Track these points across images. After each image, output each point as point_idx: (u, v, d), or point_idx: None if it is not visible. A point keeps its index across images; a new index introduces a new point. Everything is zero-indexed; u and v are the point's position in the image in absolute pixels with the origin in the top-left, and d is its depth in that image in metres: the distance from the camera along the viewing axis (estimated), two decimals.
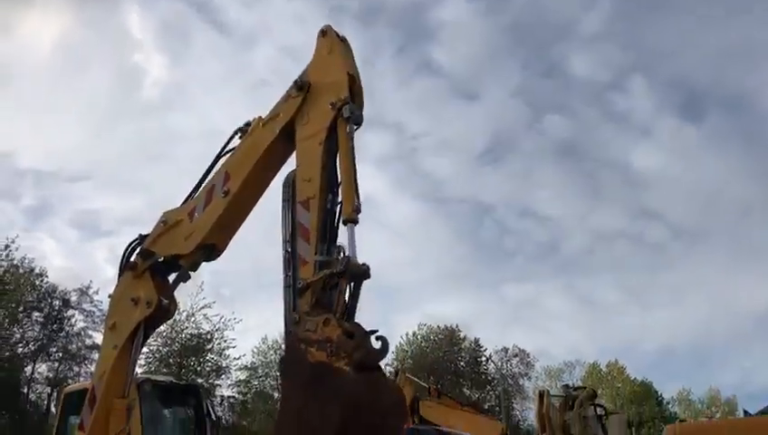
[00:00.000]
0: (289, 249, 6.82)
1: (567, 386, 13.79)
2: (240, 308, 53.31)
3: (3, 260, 33.25)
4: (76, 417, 8.26)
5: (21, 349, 34.09)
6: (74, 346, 35.32)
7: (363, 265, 5.20)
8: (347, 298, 5.15)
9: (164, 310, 6.62)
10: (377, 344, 4.88)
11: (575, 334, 78.28)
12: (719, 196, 78.69)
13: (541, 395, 12.62)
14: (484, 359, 51.96)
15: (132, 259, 6.74)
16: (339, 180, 5.50)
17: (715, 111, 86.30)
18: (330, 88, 5.66)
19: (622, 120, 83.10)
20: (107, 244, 67.14)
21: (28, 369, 34.34)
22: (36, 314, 35.09)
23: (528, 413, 51.31)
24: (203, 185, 6.54)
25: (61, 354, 34.82)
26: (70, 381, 28.59)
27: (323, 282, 5.21)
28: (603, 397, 55.68)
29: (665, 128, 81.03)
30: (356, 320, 5.16)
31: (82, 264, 60.94)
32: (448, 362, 48.47)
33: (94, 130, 64.59)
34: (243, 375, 41.79)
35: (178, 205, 6.72)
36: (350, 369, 4.75)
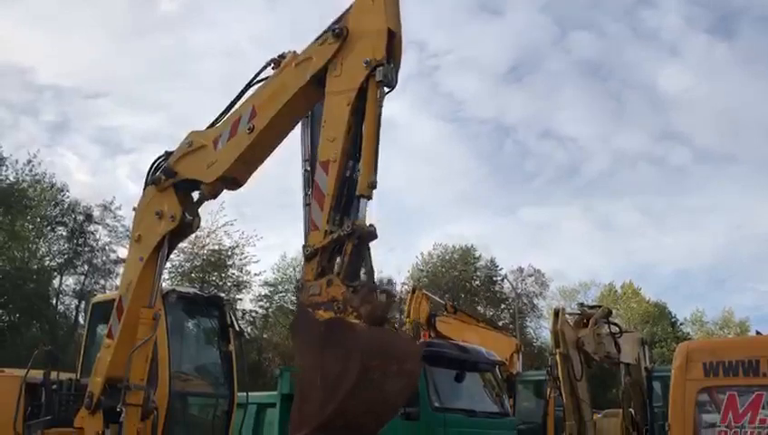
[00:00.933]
0: (308, 168, 6.87)
1: (582, 304, 13.92)
2: (261, 227, 53.90)
3: (26, 175, 33.76)
4: (104, 326, 8.57)
5: (48, 262, 35.07)
6: (99, 260, 36.22)
7: (370, 226, 5.19)
8: (352, 259, 5.15)
9: (187, 225, 6.70)
10: (382, 298, 4.96)
11: (592, 257, 78.64)
12: (747, 118, 76.95)
13: (556, 313, 12.76)
14: (498, 278, 52.64)
15: (156, 174, 6.77)
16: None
17: (748, 28, 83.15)
18: (366, 42, 5.42)
19: (651, 38, 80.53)
20: (128, 161, 67.70)
21: (56, 281, 35.41)
22: (60, 228, 35.87)
23: (541, 332, 52.25)
24: (230, 112, 6.43)
25: (86, 268, 35.74)
26: (96, 293, 29.42)
27: (331, 250, 5.24)
28: (617, 317, 55.90)
29: (694, 46, 78.58)
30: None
31: (104, 180, 61.75)
32: (463, 282, 49.13)
33: (112, 47, 63.86)
34: (264, 291, 42.74)
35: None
36: (360, 322, 4.86)
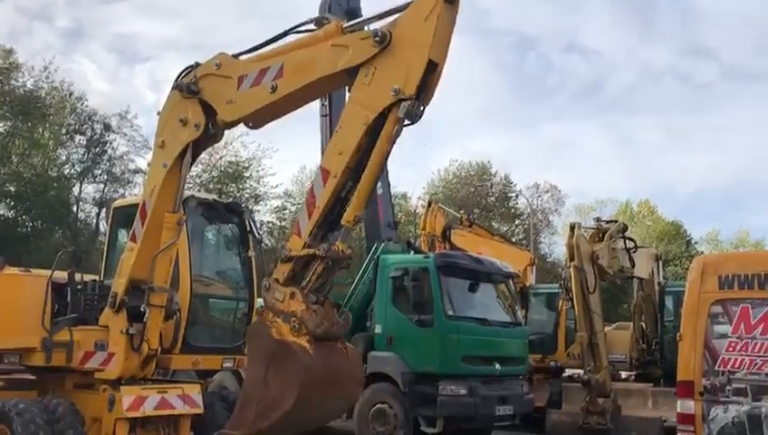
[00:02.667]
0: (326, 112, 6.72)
1: (598, 219, 13.92)
2: (277, 140, 53.71)
3: (43, 82, 33.65)
4: (124, 229, 8.70)
5: (68, 170, 35.47)
6: (118, 169, 36.57)
7: (344, 252, 5.34)
8: (320, 278, 5.33)
9: (211, 135, 6.68)
10: (340, 319, 5.33)
11: (610, 175, 78.17)
12: None
13: (571, 227, 12.80)
14: (513, 195, 52.59)
15: (182, 81, 6.65)
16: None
17: None
18: (402, 67, 5.08)
19: None
20: (146, 69, 67.15)
21: (76, 189, 35.91)
22: (79, 137, 36.07)
23: (555, 248, 52.57)
24: (259, 51, 6.23)
25: (105, 177, 36.15)
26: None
27: (305, 261, 5.36)
28: (633, 235, 56.65)
29: None
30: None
31: (122, 89, 61.40)
32: (478, 197, 49.14)
33: None
34: (281, 202, 43.10)
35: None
36: (310, 345, 5.11)
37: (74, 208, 35.30)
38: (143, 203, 7.06)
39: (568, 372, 16.11)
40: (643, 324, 15.74)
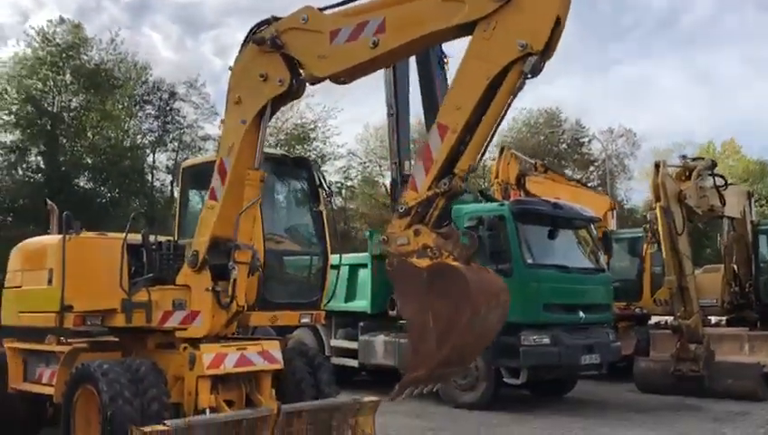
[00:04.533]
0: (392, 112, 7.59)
1: (684, 156, 13.07)
2: (342, 100, 53.53)
3: (110, 54, 34.34)
4: (195, 190, 8.63)
5: (140, 140, 36.41)
6: (188, 137, 37.26)
7: (461, 187, 5.47)
8: (441, 212, 5.50)
9: (294, 90, 6.47)
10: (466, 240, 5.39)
11: (688, 115, 74.65)
12: None
13: (657, 165, 12.04)
14: (586, 140, 50.99)
15: (260, 34, 6.40)
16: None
17: None
18: (529, 22, 5.04)
19: None
20: (210, 37, 67.74)
21: (149, 159, 36.85)
22: (148, 107, 36.87)
23: (632, 194, 50.87)
24: (347, 6, 6.00)
25: (177, 144, 36.88)
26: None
27: (422, 207, 5.47)
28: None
29: None
30: None
31: (188, 57, 62.30)
32: (549, 146, 47.88)
33: None
34: (346, 162, 43.18)
35: None
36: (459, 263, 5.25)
37: (149, 177, 36.26)
38: (221, 161, 6.87)
39: (654, 319, 15.54)
40: (734, 267, 14.92)
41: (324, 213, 8.27)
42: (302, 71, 6.40)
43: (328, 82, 6.42)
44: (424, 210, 5.51)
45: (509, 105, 5.33)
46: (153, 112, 36.94)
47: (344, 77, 6.25)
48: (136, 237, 7.61)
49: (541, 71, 5.15)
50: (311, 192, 8.24)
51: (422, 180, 5.46)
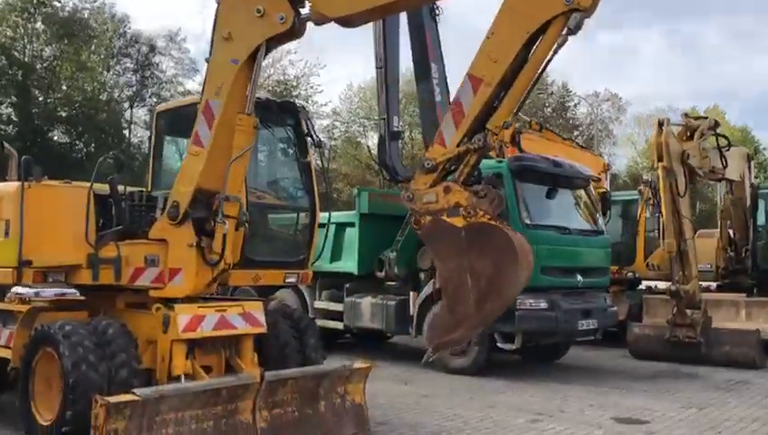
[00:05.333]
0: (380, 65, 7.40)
1: (686, 115, 12.48)
2: (325, 58, 52.21)
3: (86, 2, 32.96)
4: (170, 136, 7.92)
5: (117, 94, 35.27)
6: (167, 93, 36.12)
7: (493, 142, 5.36)
8: (472, 169, 5.32)
9: (296, 30, 5.81)
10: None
11: (671, 83, 74.07)
12: None
13: (660, 123, 11.47)
14: (572, 104, 50.49)
15: None
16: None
17: None
18: None
19: None
20: None
21: (127, 114, 35.75)
22: (126, 60, 35.73)
23: (615, 159, 50.57)
24: None
25: (155, 100, 35.74)
26: None
27: (450, 163, 5.32)
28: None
29: None
30: None
31: (170, 12, 60.33)
32: (535, 109, 47.27)
33: None
34: (330, 121, 42.30)
35: None
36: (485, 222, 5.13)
37: (126, 133, 35.20)
38: (206, 103, 6.16)
39: (644, 283, 15.16)
40: (730, 231, 14.52)
41: (312, 165, 7.62)
42: (306, 7, 5.78)
43: (308, 35, 5.96)
44: (452, 167, 5.34)
45: (549, 61, 5.11)
46: (131, 66, 35.84)
47: (355, 19, 5.76)
48: (105, 187, 6.91)
49: (580, 28, 4.92)
50: (298, 142, 7.57)
51: (451, 135, 5.26)
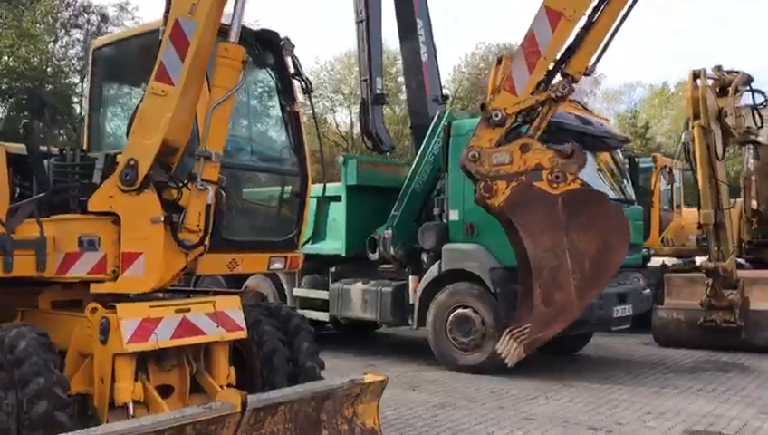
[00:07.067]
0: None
1: (719, 67, 10.96)
2: (292, 35, 49.70)
3: None
4: (114, 82, 6.09)
5: (66, 66, 32.96)
6: None
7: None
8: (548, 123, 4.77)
9: None
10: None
11: (639, 57, 73.33)
12: None
13: (695, 75, 9.93)
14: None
15: None
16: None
17: None
18: None
19: None
20: None
21: (77, 88, 33.40)
22: (75, 31, 33.44)
23: None
24: None
25: None
26: None
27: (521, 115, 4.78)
28: (668, 117, 53.52)
29: None
30: None
31: None
32: None
33: None
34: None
35: None
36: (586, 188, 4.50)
37: (77, 108, 32.83)
38: (176, 24, 4.44)
39: (654, 260, 13.72)
40: (754, 202, 13.16)
41: (300, 115, 5.84)
42: None
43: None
44: (523, 120, 4.77)
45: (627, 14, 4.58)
46: (81, 38, 33.43)
47: None
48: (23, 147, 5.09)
49: None
50: (282, 85, 5.76)
51: (524, 80, 4.70)
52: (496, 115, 4.71)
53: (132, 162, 4.44)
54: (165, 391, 4.64)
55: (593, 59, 4.69)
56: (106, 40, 6.18)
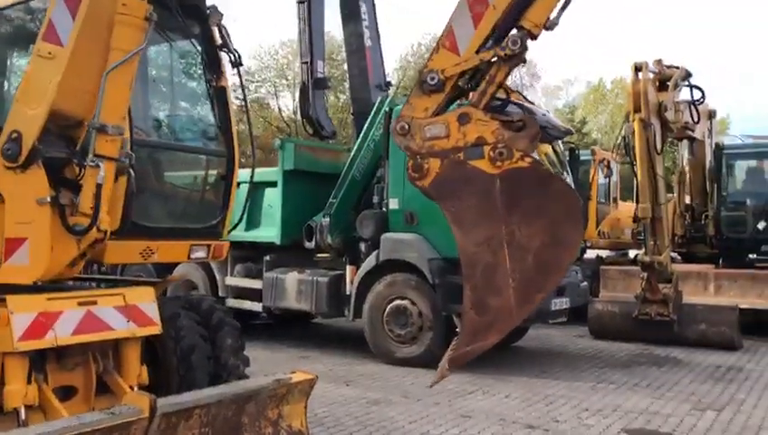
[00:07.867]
0: None
1: (659, 61, 10.95)
2: (234, 14, 48.39)
3: None
4: (11, 45, 5.50)
5: None
6: None
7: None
8: (496, 89, 3.90)
9: None
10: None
11: (577, 53, 74.70)
12: None
13: (637, 68, 9.86)
14: None
15: None
16: None
17: None
18: None
19: None
20: None
21: None
22: None
23: None
24: None
25: None
26: None
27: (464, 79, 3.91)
28: (604, 113, 54.68)
29: None
30: None
31: None
32: None
33: None
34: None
35: None
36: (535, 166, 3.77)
37: None
38: None
39: (590, 253, 13.78)
40: (688, 197, 13.31)
41: (228, 91, 5.39)
42: None
43: None
44: (467, 85, 3.90)
45: None
46: None
47: None
48: None
49: None
50: (208, 57, 5.29)
51: (468, 36, 3.77)
52: (432, 78, 3.79)
53: (15, 135, 3.92)
54: (67, 392, 4.18)
55: (557, 8, 3.79)
56: (4, 2, 5.58)
